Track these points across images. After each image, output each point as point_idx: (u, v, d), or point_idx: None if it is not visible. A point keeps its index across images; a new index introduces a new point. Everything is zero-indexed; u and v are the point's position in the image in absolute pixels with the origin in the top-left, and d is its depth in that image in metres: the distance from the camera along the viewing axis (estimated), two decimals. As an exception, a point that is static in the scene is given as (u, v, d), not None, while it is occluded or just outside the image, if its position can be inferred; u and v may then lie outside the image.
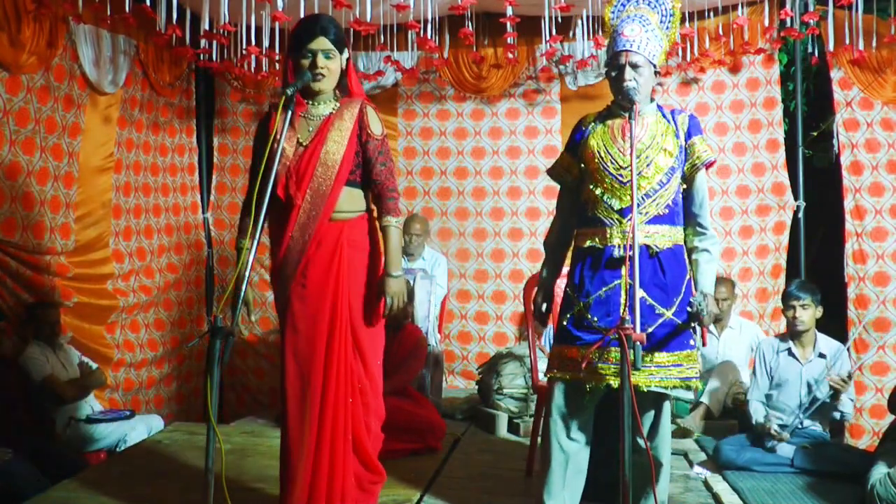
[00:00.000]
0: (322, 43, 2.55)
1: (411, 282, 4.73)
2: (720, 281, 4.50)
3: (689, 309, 2.58)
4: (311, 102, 2.65)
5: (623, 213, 2.56)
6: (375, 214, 2.74)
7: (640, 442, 2.58)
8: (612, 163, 2.60)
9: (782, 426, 3.61)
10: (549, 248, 2.88)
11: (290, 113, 2.50)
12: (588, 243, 2.64)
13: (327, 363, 2.60)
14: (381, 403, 2.78)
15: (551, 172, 2.85)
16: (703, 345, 2.72)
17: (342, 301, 2.62)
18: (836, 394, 3.62)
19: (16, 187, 4.16)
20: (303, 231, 2.59)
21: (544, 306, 2.83)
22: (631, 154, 2.38)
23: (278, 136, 2.51)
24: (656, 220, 2.59)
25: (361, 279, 2.68)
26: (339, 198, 2.61)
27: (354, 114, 2.64)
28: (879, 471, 3.09)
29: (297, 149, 2.61)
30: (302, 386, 2.60)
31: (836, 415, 3.74)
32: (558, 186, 2.87)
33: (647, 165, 2.58)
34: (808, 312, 3.73)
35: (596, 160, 2.63)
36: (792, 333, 3.81)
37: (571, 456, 2.66)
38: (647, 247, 2.58)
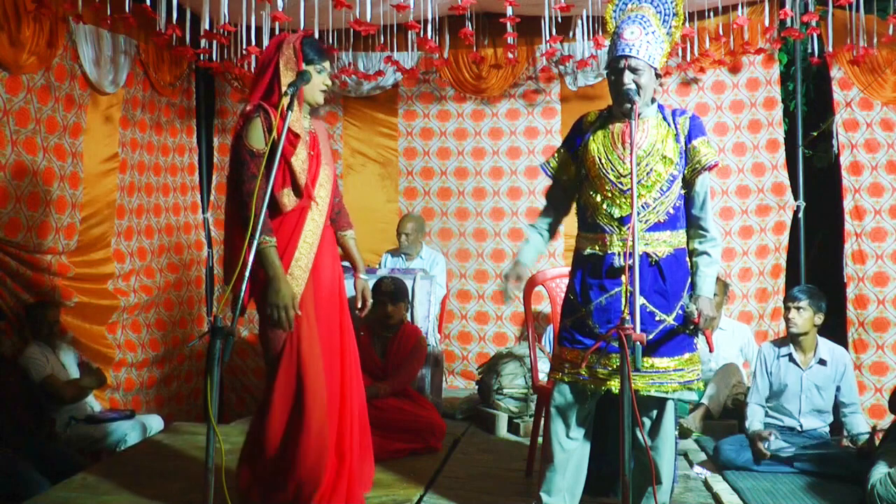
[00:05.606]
0: (331, 66, 2.83)
1: (411, 282, 4.73)
2: None
3: (680, 312, 2.58)
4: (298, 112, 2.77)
5: (623, 221, 2.55)
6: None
7: (642, 441, 2.58)
8: (612, 170, 2.57)
9: (778, 449, 3.57)
10: (531, 235, 2.83)
11: (291, 114, 2.56)
12: (588, 250, 2.63)
13: (343, 357, 2.83)
14: None
15: (548, 170, 2.79)
16: (710, 350, 2.71)
17: (344, 299, 2.89)
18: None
19: (21, 187, 4.16)
20: (314, 235, 2.76)
21: (514, 290, 2.81)
22: (631, 159, 2.35)
23: (285, 136, 2.60)
24: (656, 227, 2.58)
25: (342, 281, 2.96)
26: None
27: (326, 135, 2.91)
28: (879, 471, 3.08)
29: (309, 154, 2.74)
30: (321, 378, 2.74)
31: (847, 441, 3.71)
32: None
33: (647, 174, 2.55)
34: (803, 316, 3.68)
35: (597, 166, 2.60)
36: (790, 336, 3.78)
37: (572, 455, 2.67)
38: (648, 255, 2.56)
